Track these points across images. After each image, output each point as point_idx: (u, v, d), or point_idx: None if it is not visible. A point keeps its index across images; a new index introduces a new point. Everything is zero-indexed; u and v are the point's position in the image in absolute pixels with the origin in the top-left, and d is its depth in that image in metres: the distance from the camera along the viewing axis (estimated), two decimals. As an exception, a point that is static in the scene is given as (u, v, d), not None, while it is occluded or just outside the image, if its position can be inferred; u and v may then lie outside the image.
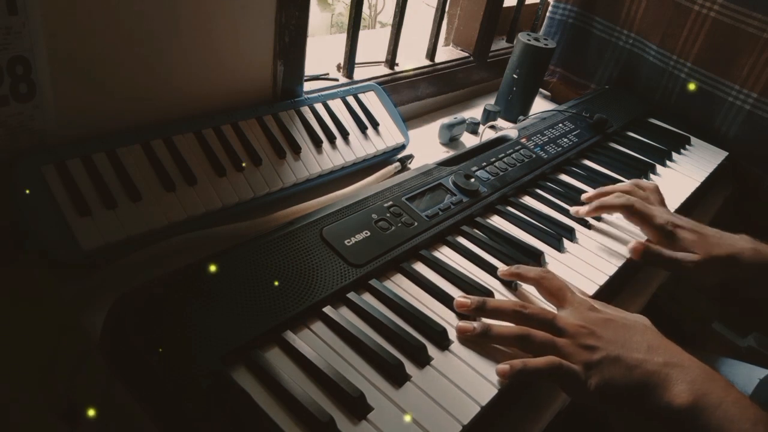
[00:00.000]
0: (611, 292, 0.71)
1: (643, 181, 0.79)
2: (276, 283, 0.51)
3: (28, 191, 0.55)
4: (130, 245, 0.59)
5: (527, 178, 0.80)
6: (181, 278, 0.49)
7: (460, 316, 0.55)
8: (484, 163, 0.78)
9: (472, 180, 0.73)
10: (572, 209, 0.77)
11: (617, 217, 0.79)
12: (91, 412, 0.49)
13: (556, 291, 0.57)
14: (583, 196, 0.77)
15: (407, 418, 0.44)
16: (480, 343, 0.52)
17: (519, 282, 0.61)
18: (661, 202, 0.76)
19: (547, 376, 0.49)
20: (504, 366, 0.49)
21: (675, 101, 1.14)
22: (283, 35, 0.75)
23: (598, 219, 0.77)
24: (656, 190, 0.78)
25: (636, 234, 0.76)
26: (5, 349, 0.51)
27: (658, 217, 0.71)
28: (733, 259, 0.66)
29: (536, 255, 0.66)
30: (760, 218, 1.10)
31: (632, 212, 0.72)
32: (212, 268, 0.50)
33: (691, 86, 1.09)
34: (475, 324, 0.52)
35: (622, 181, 0.87)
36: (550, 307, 0.58)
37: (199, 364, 0.43)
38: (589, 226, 0.75)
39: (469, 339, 0.52)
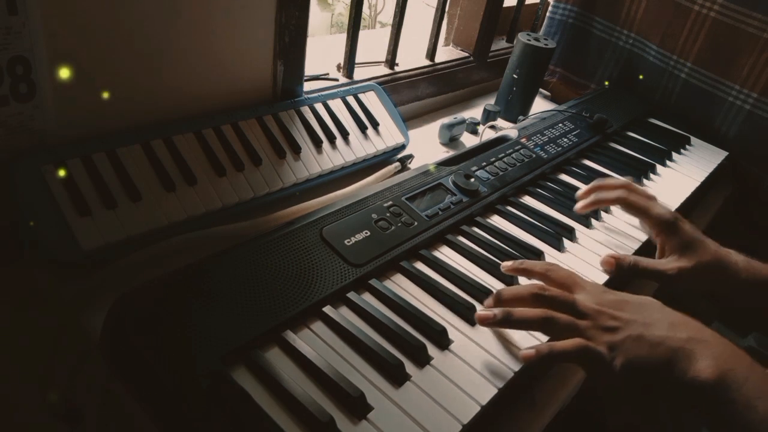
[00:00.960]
0: (611, 292, 0.71)
1: (635, 185, 0.76)
2: (276, 285, 0.51)
3: (28, 191, 0.55)
4: (130, 245, 0.59)
5: (527, 177, 0.80)
6: (181, 278, 0.49)
7: (461, 316, 0.55)
8: (484, 163, 0.78)
9: (472, 180, 0.73)
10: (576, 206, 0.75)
11: (617, 217, 0.79)
12: (92, 413, 0.49)
13: (565, 280, 0.56)
14: (578, 193, 0.75)
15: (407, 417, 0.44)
16: (501, 329, 0.52)
17: (524, 278, 0.60)
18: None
19: (574, 359, 0.49)
20: (529, 351, 0.49)
21: (675, 101, 1.14)
22: (283, 35, 0.75)
23: (597, 218, 0.77)
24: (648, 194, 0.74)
25: (635, 233, 0.76)
26: (5, 349, 0.51)
27: (657, 207, 0.69)
28: (724, 268, 0.64)
29: (536, 254, 0.66)
30: (760, 218, 1.10)
31: (628, 204, 0.70)
32: (212, 268, 0.50)
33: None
34: (496, 311, 0.51)
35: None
36: None
37: (199, 364, 0.43)
38: (589, 226, 0.75)
39: (492, 326, 0.52)
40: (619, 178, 0.76)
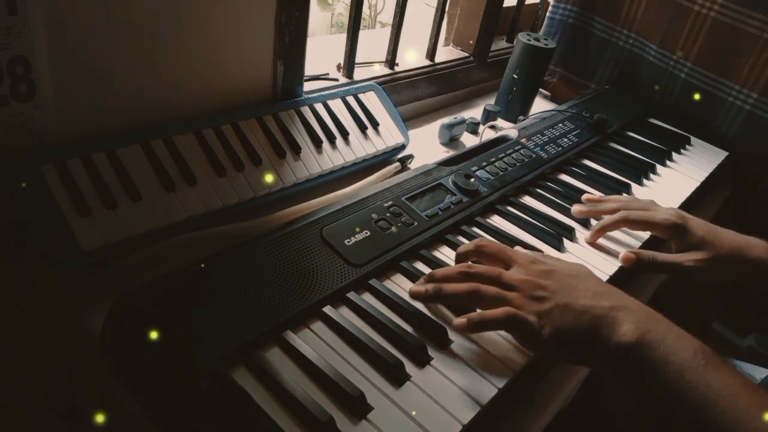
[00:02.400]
0: (611, 292, 0.71)
1: (635, 199, 0.78)
2: (276, 286, 0.51)
3: (28, 191, 0.55)
4: (130, 245, 0.59)
5: (527, 178, 0.80)
6: (181, 278, 0.49)
7: (461, 315, 0.55)
8: (484, 163, 0.78)
9: (472, 180, 0.73)
10: (573, 209, 0.76)
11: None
12: (92, 413, 0.49)
13: (498, 254, 0.57)
14: (576, 211, 0.75)
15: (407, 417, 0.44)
16: (434, 303, 0.54)
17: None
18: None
19: (503, 326, 0.51)
20: (461, 320, 0.50)
21: (675, 101, 1.14)
22: (283, 35, 0.75)
23: (597, 218, 0.77)
24: (652, 202, 0.75)
25: (635, 233, 0.76)
26: (5, 349, 0.51)
27: (662, 212, 0.70)
28: (744, 255, 0.65)
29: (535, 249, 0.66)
30: (760, 218, 1.10)
31: (631, 221, 0.71)
32: (212, 268, 0.50)
33: (696, 96, 1.09)
34: (427, 286, 0.54)
35: (621, 180, 0.87)
36: None
37: (199, 364, 0.43)
38: (589, 226, 0.75)
39: (424, 300, 0.54)
40: (611, 199, 0.76)
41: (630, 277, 0.77)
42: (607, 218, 0.72)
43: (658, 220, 0.69)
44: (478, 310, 0.52)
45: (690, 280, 0.67)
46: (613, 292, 0.53)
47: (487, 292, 0.52)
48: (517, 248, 0.60)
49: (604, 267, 0.68)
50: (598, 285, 0.54)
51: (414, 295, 0.55)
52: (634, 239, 0.75)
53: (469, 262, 0.57)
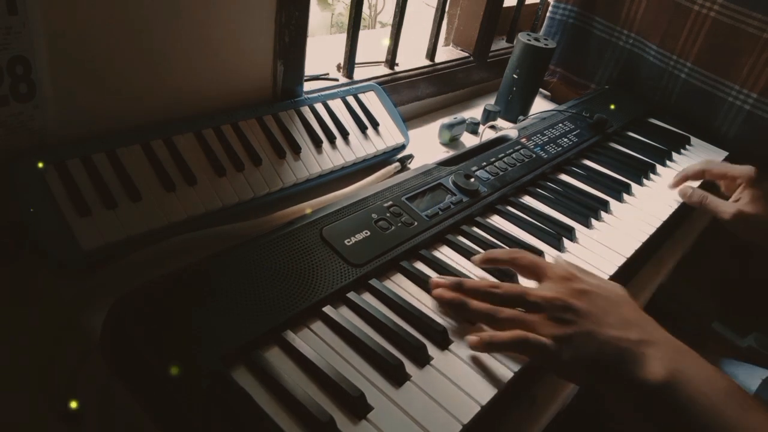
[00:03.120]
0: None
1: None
2: (276, 286, 0.51)
3: (28, 191, 0.55)
4: (130, 245, 0.59)
5: (527, 178, 0.80)
6: (181, 278, 0.49)
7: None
8: (484, 163, 0.78)
9: (472, 180, 0.73)
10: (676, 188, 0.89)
11: (617, 217, 0.79)
12: (92, 413, 0.49)
13: (532, 267, 0.56)
14: (674, 179, 0.90)
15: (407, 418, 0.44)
16: (455, 314, 0.54)
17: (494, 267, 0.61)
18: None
19: (513, 349, 0.50)
20: (473, 338, 0.50)
21: (675, 101, 1.14)
22: (283, 35, 0.75)
23: (597, 218, 0.77)
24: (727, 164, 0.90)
25: (635, 233, 0.76)
26: (5, 349, 0.51)
27: (737, 168, 0.86)
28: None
29: (536, 254, 0.66)
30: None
31: (710, 173, 0.87)
32: (212, 268, 0.50)
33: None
34: (453, 294, 0.53)
35: (621, 180, 0.87)
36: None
37: (199, 364, 0.43)
38: (589, 226, 0.75)
39: (445, 303, 0.54)
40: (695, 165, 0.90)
41: (630, 277, 0.78)
42: (692, 166, 0.88)
43: (735, 171, 0.85)
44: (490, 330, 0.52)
45: (728, 226, 0.81)
46: (643, 323, 0.50)
47: (502, 314, 0.51)
48: (557, 260, 0.59)
49: (604, 267, 0.68)
50: (630, 312, 0.51)
51: (437, 294, 0.54)
52: (634, 241, 0.75)
53: (496, 282, 0.56)
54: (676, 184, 0.89)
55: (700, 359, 0.48)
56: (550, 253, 0.68)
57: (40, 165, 0.56)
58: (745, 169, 0.84)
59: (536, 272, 0.56)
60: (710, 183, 0.92)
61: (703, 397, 0.44)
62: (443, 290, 0.54)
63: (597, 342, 0.48)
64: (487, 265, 0.60)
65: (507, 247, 0.66)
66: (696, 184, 0.89)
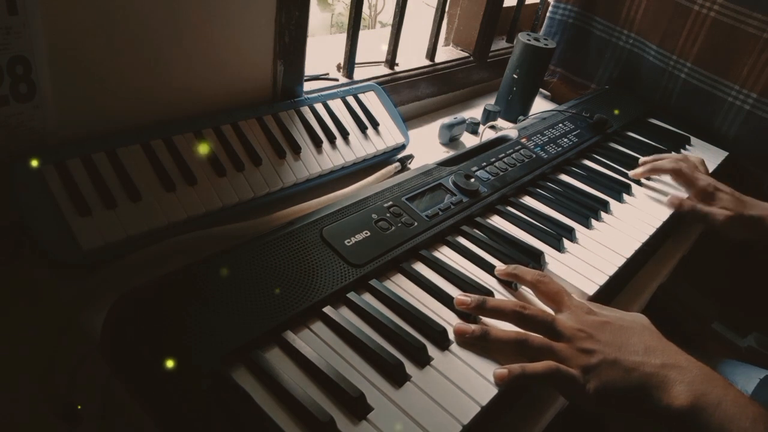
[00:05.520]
0: (611, 292, 0.71)
1: (691, 155, 0.93)
2: (276, 286, 0.51)
3: (28, 191, 0.55)
4: (130, 245, 0.59)
5: (527, 178, 0.80)
6: (181, 278, 0.49)
7: (461, 316, 0.55)
8: (484, 163, 0.78)
9: (472, 180, 0.73)
10: (631, 172, 0.90)
11: (617, 218, 0.79)
12: (92, 413, 0.49)
13: (553, 295, 0.57)
14: (640, 160, 0.91)
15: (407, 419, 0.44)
16: (477, 346, 0.52)
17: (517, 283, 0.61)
18: (706, 173, 0.89)
19: (544, 381, 0.49)
20: (502, 371, 0.49)
21: (675, 101, 1.14)
22: (283, 35, 0.75)
23: (597, 218, 0.77)
24: (702, 162, 0.91)
25: (635, 234, 0.76)
26: (5, 349, 0.51)
27: (702, 180, 0.85)
28: (761, 221, 0.79)
29: (536, 255, 0.66)
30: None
31: (679, 175, 0.86)
32: (212, 268, 0.50)
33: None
34: (474, 327, 0.52)
35: (621, 181, 0.88)
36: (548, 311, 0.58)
37: (199, 365, 0.43)
38: (589, 226, 0.75)
39: (467, 341, 0.52)
40: (674, 155, 0.91)
41: (630, 277, 0.78)
42: (664, 163, 0.87)
43: (698, 185, 0.84)
44: (516, 363, 0.50)
45: (718, 231, 0.80)
46: (667, 349, 0.51)
47: (534, 342, 0.51)
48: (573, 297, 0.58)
49: (604, 267, 0.68)
50: (651, 339, 0.51)
51: (459, 332, 0.52)
52: (634, 242, 0.75)
53: (523, 303, 0.55)
54: (642, 173, 0.89)
55: (727, 382, 0.48)
56: (549, 254, 0.68)
57: (41, 165, 0.56)
58: (706, 185, 0.84)
59: (557, 301, 0.56)
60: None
61: (732, 422, 0.44)
62: (463, 325, 0.52)
63: (621, 369, 0.48)
64: (510, 279, 0.60)
65: (507, 248, 0.66)
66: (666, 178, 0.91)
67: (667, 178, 0.93)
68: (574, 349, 0.50)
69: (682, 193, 0.87)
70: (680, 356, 0.50)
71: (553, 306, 0.57)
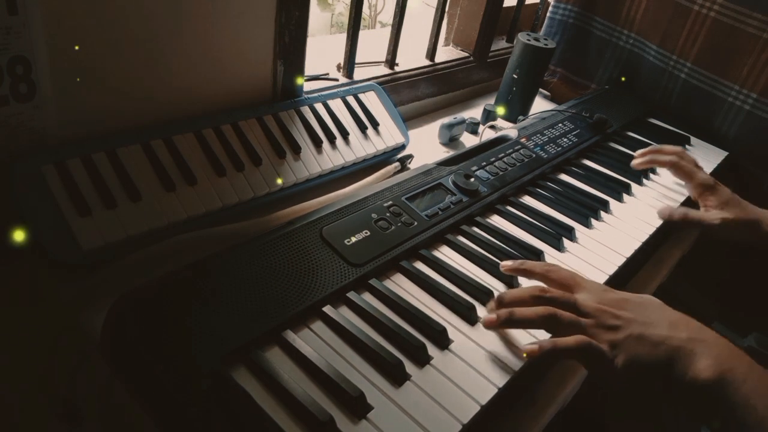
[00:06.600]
0: (611, 291, 0.71)
1: (686, 155, 0.90)
2: (276, 285, 0.51)
3: (28, 191, 0.55)
4: (130, 245, 0.59)
5: (527, 177, 0.80)
6: (181, 278, 0.49)
7: (460, 316, 0.55)
8: (484, 163, 0.78)
9: (472, 180, 0.73)
10: (634, 162, 0.88)
11: (617, 217, 0.79)
12: (91, 412, 0.49)
13: (566, 279, 0.56)
14: (637, 152, 0.88)
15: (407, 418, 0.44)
16: (506, 329, 0.52)
17: (524, 278, 0.60)
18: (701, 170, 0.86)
19: (576, 356, 0.49)
20: (532, 346, 0.49)
21: (675, 101, 1.14)
22: (283, 35, 0.75)
23: (597, 218, 0.77)
24: (696, 162, 0.88)
25: (635, 234, 0.76)
26: (5, 349, 0.51)
27: (701, 174, 0.83)
28: (757, 224, 0.77)
29: (536, 254, 0.66)
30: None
31: (678, 168, 0.84)
32: (212, 268, 0.50)
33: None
34: (498, 312, 0.52)
35: (621, 180, 0.87)
36: None
37: (199, 365, 0.43)
38: (589, 226, 0.75)
39: (497, 328, 0.53)
40: (673, 147, 0.88)
41: (630, 277, 0.78)
42: (662, 156, 0.85)
43: (698, 178, 0.81)
44: (549, 336, 0.51)
45: (714, 236, 0.78)
46: (690, 323, 0.51)
47: (563, 317, 0.51)
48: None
49: (604, 267, 0.68)
50: (673, 315, 0.52)
51: (487, 324, 0.53)
52: (633, 242, 0.75)
53: (543, 285, 0.55)
54: (640, 162, 0.87)
55: (751, 359, 0.48)
56: (549, 253, 0.68)
57: (41, 165, 0.56)
58: (707, 178, 0.82)
59: (572, 284, 0.56)
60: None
61: (757, 398, 0.44)
62: (488, 315, 0.53)
63: (648, 343, 0.48)
64: (517, 274, 0.60)
65: (507, 248, 0.66)
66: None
67: (667, 176, 0.93)
68: (600, 326, 0.50)
69: (673, 203, 0.86)
70: (705, 331, 0.50)
71: (568, 290, 0.56)
